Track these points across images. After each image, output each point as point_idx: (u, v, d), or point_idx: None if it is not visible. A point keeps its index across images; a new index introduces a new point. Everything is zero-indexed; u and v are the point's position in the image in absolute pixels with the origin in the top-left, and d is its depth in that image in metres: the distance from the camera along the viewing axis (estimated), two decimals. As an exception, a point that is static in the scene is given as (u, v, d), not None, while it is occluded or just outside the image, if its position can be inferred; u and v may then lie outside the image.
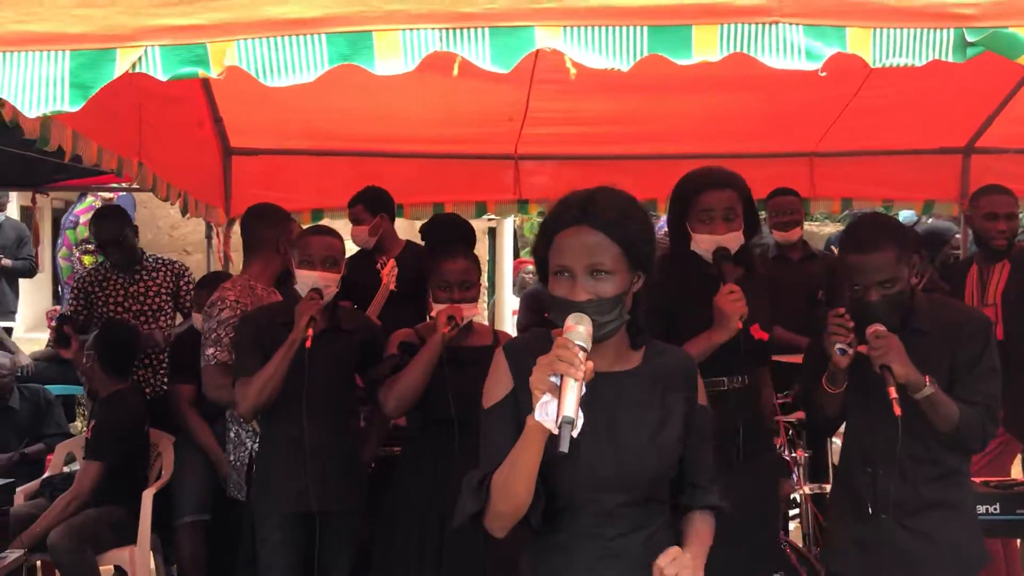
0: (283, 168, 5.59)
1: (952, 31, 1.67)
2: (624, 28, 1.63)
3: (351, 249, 5.20)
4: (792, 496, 4.42)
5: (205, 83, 4.94)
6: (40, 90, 1.54)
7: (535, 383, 1.69)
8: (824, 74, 1.68)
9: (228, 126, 5.38)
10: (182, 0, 1.57)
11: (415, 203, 5.66)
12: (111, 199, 6.24)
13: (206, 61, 1.58)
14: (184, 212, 4.83)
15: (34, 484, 4.68)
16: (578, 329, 1.75)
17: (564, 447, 1.65)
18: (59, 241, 6.42)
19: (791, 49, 1.65)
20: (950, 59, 1.68)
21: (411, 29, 1.59)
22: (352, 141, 5.50)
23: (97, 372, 4.50)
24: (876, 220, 2.80)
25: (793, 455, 4.16)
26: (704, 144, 5.61)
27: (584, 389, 1.68)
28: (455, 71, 1.64)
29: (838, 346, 2.62)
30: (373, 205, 4.98)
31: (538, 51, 1.60)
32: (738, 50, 1.67)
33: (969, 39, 1.66)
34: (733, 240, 2.96)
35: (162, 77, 1.59)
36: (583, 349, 1.71)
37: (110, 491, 4.43)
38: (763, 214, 6.14)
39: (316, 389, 3.32)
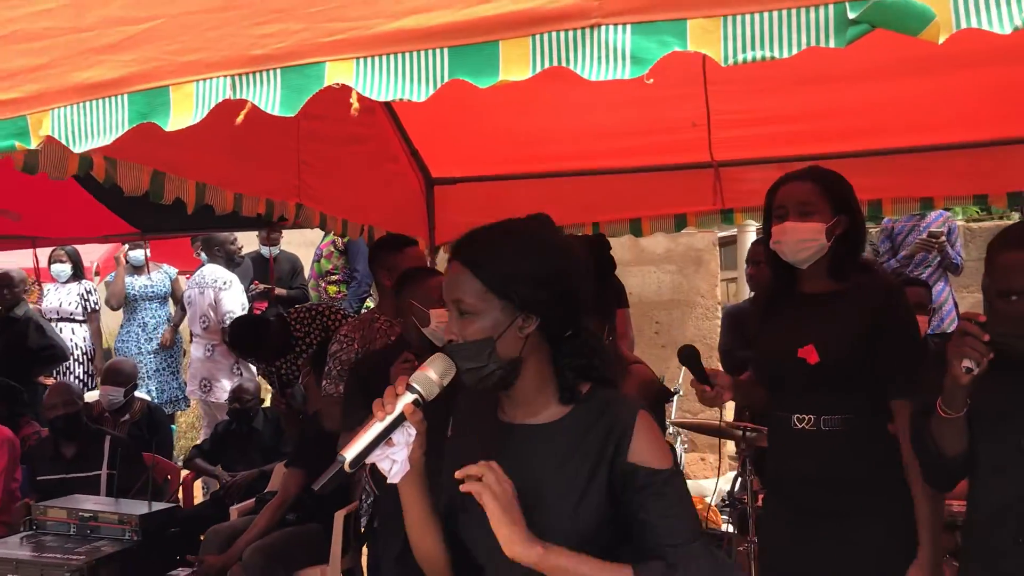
0: (482, 194, 5.62)
1: (831, 8, 1.25)
2: (422, 53, 1.41)
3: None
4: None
5: (395, 119, 5.12)
6: None
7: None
8: (651, 81, 1.33)
9: (426, 158, 5.52)
10: (8, 75, 1.59)
11: (610, 220, 5.44)
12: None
13: (26, 133, 1.59)
14: (371, 242, 5.01)
15: (249, 503, 5.07)
16: (426, 372, 1.63)
17: (316, 485, 1.63)
18: (308, 273, 6.96)
19: (613, 56, 1.32)
20: (830, 43, 1.25)
21: (204, 79, 1.49)
22: (545, 162, 5.39)
23: (312, 387, 4.79)
24: None
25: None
26: (939, 133, 4.86)
27: (409, 436, 1.62)
28: (240, 119, 1.51)
29: (965, 363, 2.10)
30: None
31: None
32: (555, 64, 1.36)
33: (851, 15, 1.23)
34: (800, 232, 2.56)
35: (-13, 153, 1.62)
36: (415, 392, 1.61)
37: (311, 507, 4.70)
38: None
39: None
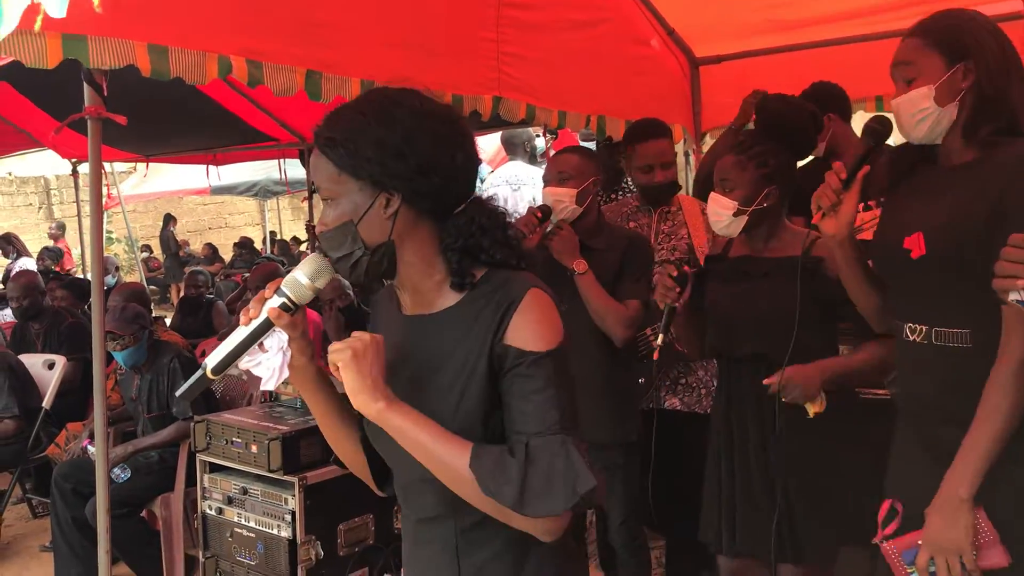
0: (752, 71, 5.05)
1: None
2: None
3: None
4: None
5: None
6: None
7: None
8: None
9: (686, 36, 5.09)
10: None
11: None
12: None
13: None
14: (601, 134, 4.77)
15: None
16: (295, 274, 1.54)
17: (178, 392, 1.56)
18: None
19: None
20: None
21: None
22: (817, 26, 4.71)
23: None
24: None
25: None
26: None
27: (282, 342, 1.57)
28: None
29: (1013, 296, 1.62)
30: (819, 104, 4.27)
31: None
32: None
33: None
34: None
35: None
36: (283, 296, 1.52)
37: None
38: None
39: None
